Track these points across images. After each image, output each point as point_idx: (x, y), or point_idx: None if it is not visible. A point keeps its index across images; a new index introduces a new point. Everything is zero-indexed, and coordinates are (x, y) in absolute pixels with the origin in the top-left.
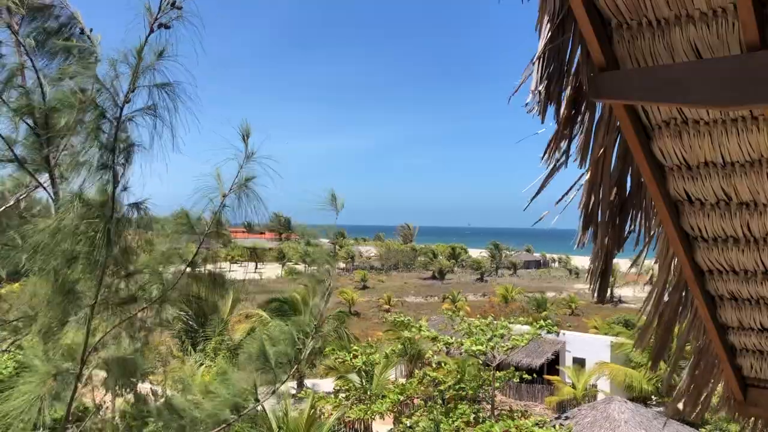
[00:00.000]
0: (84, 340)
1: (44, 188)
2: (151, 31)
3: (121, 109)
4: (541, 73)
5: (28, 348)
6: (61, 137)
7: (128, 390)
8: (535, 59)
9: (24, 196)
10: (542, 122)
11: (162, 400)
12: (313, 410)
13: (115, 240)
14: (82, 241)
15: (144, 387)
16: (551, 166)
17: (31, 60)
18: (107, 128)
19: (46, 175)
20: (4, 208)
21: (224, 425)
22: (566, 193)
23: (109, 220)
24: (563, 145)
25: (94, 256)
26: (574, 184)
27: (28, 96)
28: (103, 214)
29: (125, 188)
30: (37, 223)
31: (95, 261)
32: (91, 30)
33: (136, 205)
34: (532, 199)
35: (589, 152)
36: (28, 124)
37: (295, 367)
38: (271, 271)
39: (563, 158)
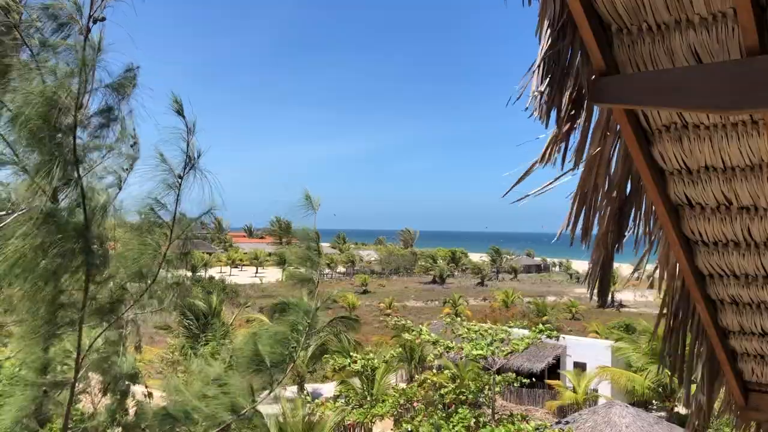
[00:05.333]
0: (77, 347)
1: (44, 192)
2: (88, 30)
3: (75, 117)
4: (542, 77)
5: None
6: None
7: (121, 391)
8: (535, 66)
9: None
10: (546, 127)
11: (158, 402)
12: (308, 414)
13: (93, 249)
14: (59, 255)
15: (138, 390)
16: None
17: (36, 60)
18: (66, 140)
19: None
20: (15, 215)
21: (222, 425)
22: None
23: (84, 233)
24: (562, 148)
25: (74, 267)
26: (576, 188)
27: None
28: (77, 227)
29: (90, 198)
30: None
31: (76, 272)
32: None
33: (103, 207)
34: (512, 187)
35: (589, 156)
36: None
37: (291, 366)
38: (272, 275)
39: (562, 161)
